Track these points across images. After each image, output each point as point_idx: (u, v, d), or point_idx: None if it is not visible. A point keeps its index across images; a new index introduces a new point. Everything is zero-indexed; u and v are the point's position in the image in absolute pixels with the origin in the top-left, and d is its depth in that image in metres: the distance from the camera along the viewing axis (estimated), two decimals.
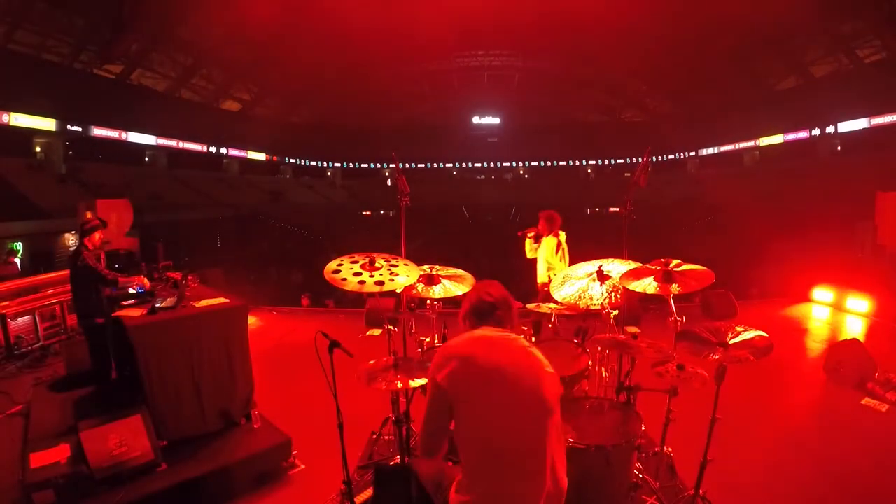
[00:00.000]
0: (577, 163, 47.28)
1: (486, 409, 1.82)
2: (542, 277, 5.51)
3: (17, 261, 12.44)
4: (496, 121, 47.60)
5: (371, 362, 2.92)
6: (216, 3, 23.06)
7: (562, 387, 1.98)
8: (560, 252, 5.43)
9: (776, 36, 26.53)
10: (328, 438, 2.96)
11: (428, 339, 3.83)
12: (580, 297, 3.26)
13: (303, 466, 3.62)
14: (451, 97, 43.07)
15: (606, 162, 46.06)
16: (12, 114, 22.35)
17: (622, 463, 2.59)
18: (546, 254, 5.48)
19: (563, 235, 5.49)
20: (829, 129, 29.23)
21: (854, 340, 4.98)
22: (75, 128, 25.89)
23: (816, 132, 30.12)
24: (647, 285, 2.93)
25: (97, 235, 4.50)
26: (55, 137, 25.21)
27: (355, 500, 3.01)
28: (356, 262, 3.10)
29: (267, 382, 4.44)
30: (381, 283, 2.96)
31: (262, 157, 41.07)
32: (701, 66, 32.08)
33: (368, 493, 3.09)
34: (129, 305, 4.00)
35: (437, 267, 3.64)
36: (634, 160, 39.34)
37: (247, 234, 28.50)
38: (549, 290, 3.54)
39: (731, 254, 16.58)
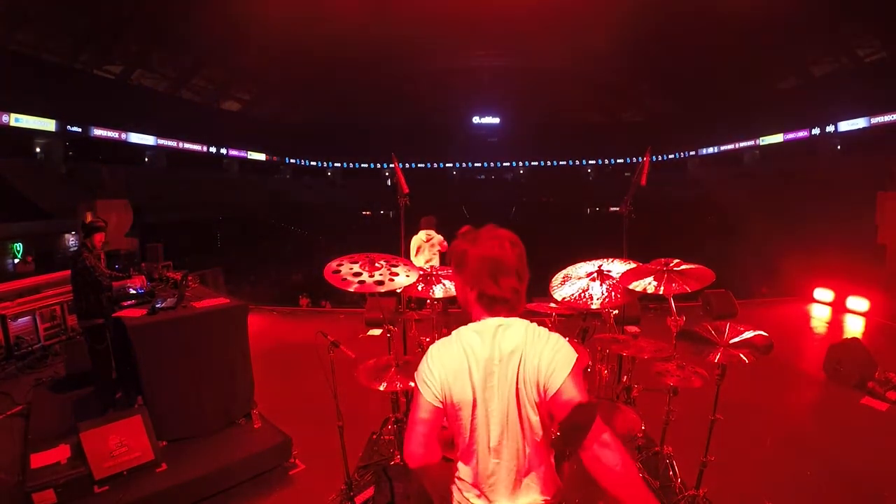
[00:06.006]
0: (577, 163, 47.24)
1: None
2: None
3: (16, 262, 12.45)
4: (496, 121, 47.54)
5: (371, 362, 2.92)
6: (216, 3, 23.06)
7: None
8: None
9: (776, 36, 26.51)
10: (328, 438, 2.96)
11: (428, 339, 3.82)
12: (580, 296, 3.26)
13: (303, 466, 3.62)
14: (451, 97, 43.01)
15: (606, 162, 46.02)
16: (12, 114, 22.35)
17: None
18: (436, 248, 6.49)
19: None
20: (829, 129, 29.17)
21: (854, 340, 4.98)
22: (75, 128, 25.88)
23: (816, 132, 30.07)
24: (647, 285, 2.93)
25: (101, 237, 4.36)
26: (55, 138, 25.19)
27: (355, 500, 3.01)
28: (356, 262, 3.10)
29: (267, 382, 4.43)
30: (381, 282, 2.96)
31: (262, 157, 41.07)
32: (701, 66, 32.04)
33: (368, 493, 3.09)
34: (130, 306, 4.00)
35: (436, 267, 3.63)
36: (634, 160, 39.33)
37: (247, 234, 28.50)
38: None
39: (731, 253, 16.57)
